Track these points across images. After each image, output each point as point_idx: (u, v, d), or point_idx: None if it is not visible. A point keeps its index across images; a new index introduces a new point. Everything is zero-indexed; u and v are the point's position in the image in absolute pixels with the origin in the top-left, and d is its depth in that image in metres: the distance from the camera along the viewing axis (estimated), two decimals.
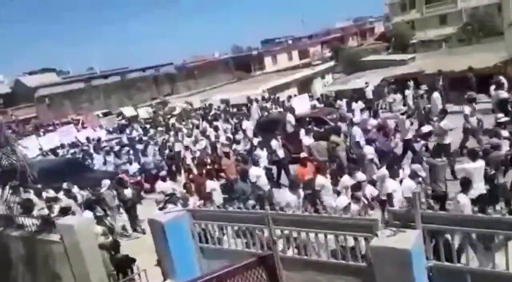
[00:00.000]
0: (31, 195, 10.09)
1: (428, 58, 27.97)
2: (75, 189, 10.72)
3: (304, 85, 31.93)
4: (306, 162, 9.56)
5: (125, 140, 18.81)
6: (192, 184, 10.01)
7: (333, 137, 10.91)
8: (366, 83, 19.57)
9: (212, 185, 9.41)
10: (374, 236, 3.68)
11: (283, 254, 4.61)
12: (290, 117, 14.11)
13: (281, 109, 19.09)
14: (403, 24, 51.38)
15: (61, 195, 10.18)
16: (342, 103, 17.48)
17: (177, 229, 5.19)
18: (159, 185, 10.32)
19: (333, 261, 4.20)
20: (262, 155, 11.40)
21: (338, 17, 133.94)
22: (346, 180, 7.98)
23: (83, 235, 5.99)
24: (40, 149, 19.05)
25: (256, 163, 10.29)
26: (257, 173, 9.55)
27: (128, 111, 28.93)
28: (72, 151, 18.06)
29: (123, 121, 25.53)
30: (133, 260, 6.49)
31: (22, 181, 5.41)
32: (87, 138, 19.95)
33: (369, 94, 18.62)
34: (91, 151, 16.46)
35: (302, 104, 15.97)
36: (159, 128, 20.59)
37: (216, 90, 33.53)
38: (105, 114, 31.47)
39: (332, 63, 43.33)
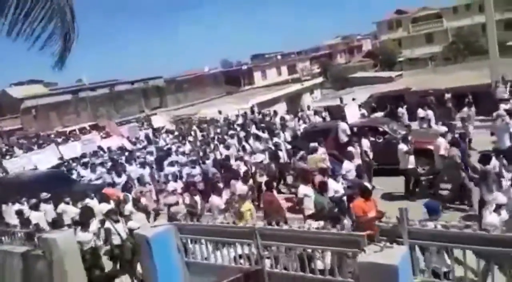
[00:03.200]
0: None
1: (415, 76, 28.58)
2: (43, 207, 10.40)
3: (293, 100, 32.21)
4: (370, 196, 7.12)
5: (152, 150, 17.21)
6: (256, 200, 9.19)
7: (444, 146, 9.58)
8: (353, 99, 19.77)
9: (305, 190, 8.40)
10: (361, 251, 3.67)
11: (271, 270, 4.57)
12: (343, 126, 12.90)
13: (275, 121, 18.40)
14: (390, 42, 52.54)
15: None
16: (403, 111, 16.19)
17: (162, 243, 5.10)
18: (213, 201, 9.06)
19: (320, 277, 4.17)
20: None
21: (327, 35, 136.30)
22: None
23: (66, 249, 5.85)
24: (60, 158, 17.91)
25: (335, 177, 9.22)
26: (335, 187, 8.66)
27: (157, 121, 26.32)
28: (98, 161, 16.33)
29: (148, 131, 22.90)
30: (114, 276, 6.32)
31: None
32: (120, 148, 18.48)
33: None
34: (123, 161, 15.11)
35: (351, 113, 14.42)
36: (189, 138, 18.87)
37: (205, 104, 33.57)
38: (92, 127, 30.94)
39: (320, 79, 43.88)
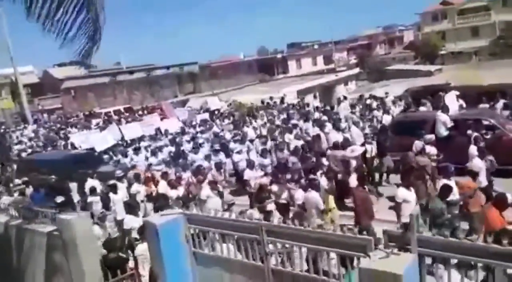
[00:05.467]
0: None
1: (456, 71, 27.27)
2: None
3: (327, 91, 31.66)
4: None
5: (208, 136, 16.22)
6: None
7: None
8: (386, 93, 19.14)
9: (406, 194, 7.24)
10: (365, 256, 3.49)
11: (275, 267, 4.46)
12: (443, 117, 11.28)
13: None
14: (434, 34, 50.44)
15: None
16: (501, 104, 14.12)
17: (171, 232, 5.09)
18: (312, 198, 7.73)
19: (324, 278, 4.02)
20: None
21: (367, 25, 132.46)
22: None
23: (80, 230, 5.97)
24: (122, 138, 17.64)
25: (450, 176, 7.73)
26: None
27: (214, 103, 24.84)
28: (158, 144, 15.34)
29: (204, 115, 21.82)
30: (126, 260, 6.44)
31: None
32: (183, 130, 17.92)
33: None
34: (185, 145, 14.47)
35: (449, 103, 12.83)
36: (253, 125, 17.25)
37: (237, 92, 33.58)
38: (126, 110, 31.64)
39: (356, 70, 42.89)
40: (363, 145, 11.15)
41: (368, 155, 10.91)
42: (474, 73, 23.21)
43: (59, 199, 8.66)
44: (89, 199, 9.80)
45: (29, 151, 18.94)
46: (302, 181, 9.00)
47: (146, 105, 35.04)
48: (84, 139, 16.90)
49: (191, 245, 5.23)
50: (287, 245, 4.34)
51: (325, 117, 15.39)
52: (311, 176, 8.83)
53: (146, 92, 41.47)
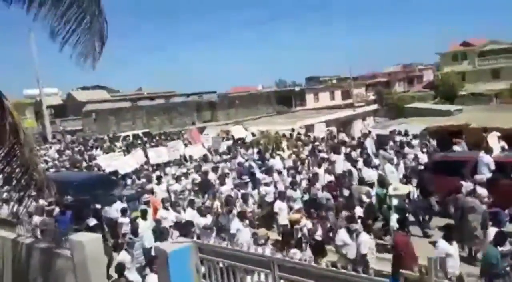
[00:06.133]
0: None
1: (475, 112, 26.94)
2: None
3: (344, 126, 31.60)
4: None
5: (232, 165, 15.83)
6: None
7: None
8: (405, 131, 18.92)
9: (448, 247, 6.60)
10: None
11: None
12: (487, 159, 10.77)
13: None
14: (453, 75, 50.36)
15: None
16: None
17: (181, 260, 5.01)
18: (365, 239, 7.13)
19: None
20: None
21: (387, 62, 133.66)
22: None
23: (91, 252, 5.92)
24: (146, 163, 17.63)
25: (502, 222, 7.53)
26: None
27: (238, 131, 24.32)
28: (183, 170, 15.14)
29: (228, 142, 21.62)
30: None
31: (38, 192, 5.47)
32: (205, 156, 17.49)
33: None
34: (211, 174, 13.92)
35: (492, 145, 12.29)
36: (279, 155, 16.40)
37: (254, 122, 33.79)
38: (144, 134, 32.07)
39: (375, 106, 42.86)
40: (405, 183, 10.57)
41: (412, 196, 10.25)
42: (494, 115, 22.91)
43: (92, 221, 8.56)
44: (120, 219, 9.73)
45: (53, 170, 19.15)
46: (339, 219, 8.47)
47: (163, 131, 35.50)
48: (109, 162, 16.85)
49: (201, 275, 5.12)
50: None
51: (354, 153, 14.93)
52: (356, 215, 8.26)
53: (165, 118, 42.09)
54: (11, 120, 4.60)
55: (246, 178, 12.87)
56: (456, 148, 14.78)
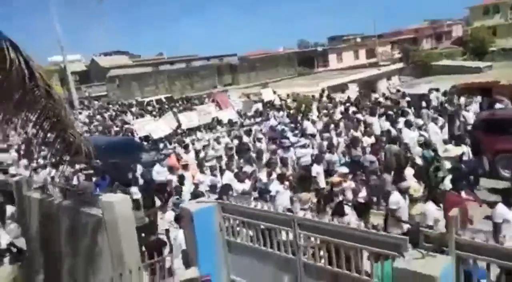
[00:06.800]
0: None
1: (506, 68, 25.84)
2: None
3: (368, 86, 30.91)
4: None
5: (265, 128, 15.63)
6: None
7: None
8: (431, 88, 18.31)
9: (507, 212, 5.99)
10: (400, 256, 3.42)
11: (306, 260, 4.47)
12: None
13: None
14: (484, 29, 47.89)
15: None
16: None
17: (205, 219, 5.22)
18: (431, 209, 6.43)
19: (356, 275, 3.99)
20: None
21: (413, 18, 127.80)
22: None
23: (121, 213, 6.19)
24: (178, 127, 17.56)
25: None
26: None
27: (268, 94, 23.99)
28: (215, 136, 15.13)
29: (259, 105, 21.50)
30: (164, 243, 6.65)
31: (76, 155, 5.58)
32: (230, 121, 17.46)
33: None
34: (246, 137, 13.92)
35: None
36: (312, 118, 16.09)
37: (275, 85, 33.46)
38: (167, 99, 32.35)
39: (400, 65, 41.56)
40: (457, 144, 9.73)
41: (465, 157, 9.48)
42: None
43: (136, 195, 8.63)
44: (169, 177, 9.98)
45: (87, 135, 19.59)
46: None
47: (185, 95, 35.66)
48: (142, 127, 16.96)
49: (225, 233, 5.33)
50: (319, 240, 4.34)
51: (391, 112, 14.11)
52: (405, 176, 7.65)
53: (186, 83, 42.18)
54: (41, 83, 4.51)
55: (287, 142, 12.47)
56: (497, 105, 14.03)
